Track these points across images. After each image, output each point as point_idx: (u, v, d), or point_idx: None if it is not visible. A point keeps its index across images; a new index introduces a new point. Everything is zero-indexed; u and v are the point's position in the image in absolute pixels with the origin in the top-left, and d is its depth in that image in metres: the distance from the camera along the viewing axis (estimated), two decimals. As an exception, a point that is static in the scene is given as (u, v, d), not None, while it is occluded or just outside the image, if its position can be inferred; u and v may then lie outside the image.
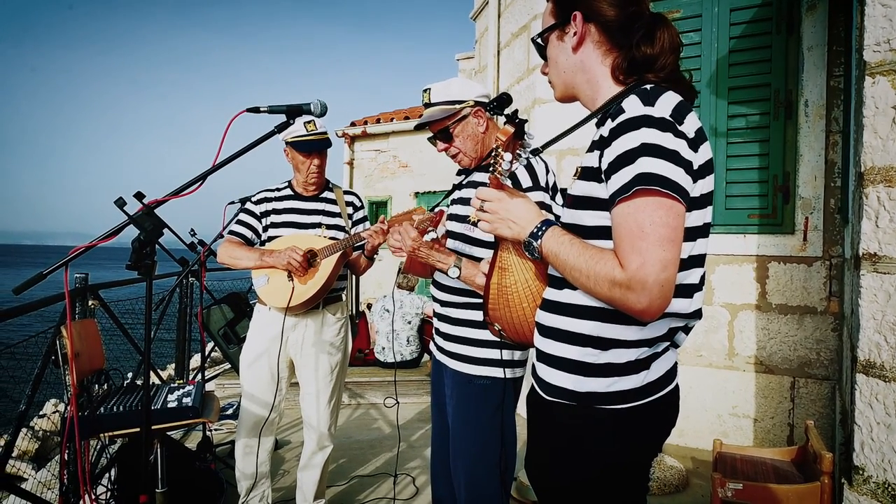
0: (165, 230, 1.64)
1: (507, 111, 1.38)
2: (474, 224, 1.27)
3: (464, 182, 1.98)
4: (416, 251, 1.80)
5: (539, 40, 1.30)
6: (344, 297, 2.88)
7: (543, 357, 1.22)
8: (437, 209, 1.94)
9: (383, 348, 5.34)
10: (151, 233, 1.54)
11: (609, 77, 1.21)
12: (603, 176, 1.09)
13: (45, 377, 2.58)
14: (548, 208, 1.76)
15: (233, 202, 3.44)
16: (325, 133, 2.63)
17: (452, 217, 1.97)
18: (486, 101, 1.93)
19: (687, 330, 1.20)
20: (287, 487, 3.14)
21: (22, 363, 2.79)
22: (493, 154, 1.25)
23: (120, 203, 1.52)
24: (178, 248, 4.03)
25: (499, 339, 1.51)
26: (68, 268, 1.58)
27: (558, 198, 1.83)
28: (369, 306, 6.27)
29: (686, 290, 1.12)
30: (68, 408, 2.00)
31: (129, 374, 7.89)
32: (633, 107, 1.06)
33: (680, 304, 1.11)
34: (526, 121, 1.28)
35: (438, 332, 1.98)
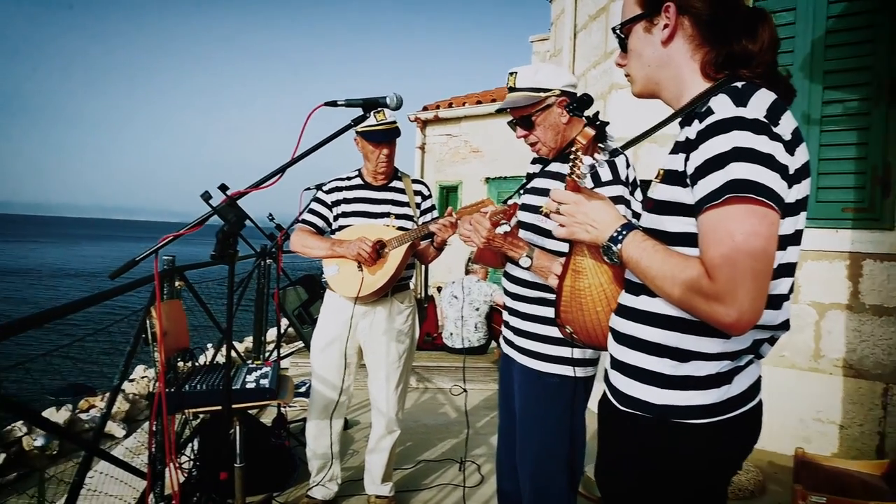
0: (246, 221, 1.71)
1: (588, 112, 1.33)
2: (546, 215, 1.25)
3: (539, 172, 1.95)
4: (489, 242, 1.79)
5: (620, 31, 1.24)
6: (412, 285, 2.91)
7: (618, 365, 1.18)
8: (510, 202, 1.91)
9: (451, 334, 5.39)
10: (234, 224, 1.61)
11: (698, 73, 1.15)
12: (689, 180, 1.04)
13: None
14: (626, 203, 1.71)
15: (308, 188, 3.54)
16: (395, 123, 2.64)
17: (525, 207, 1.94)
18: (573, 91, 1.87)
19: (773, 341, 1.13)
20: (356, 468, 3.24)
21: (115, 338, 2.99)
22: (571, 157, 1.21)
23: (206, 196, 1.58)
24: (256, 236, 4.19)
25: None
26: (158, 255, 1.67)
27: (638, 193, 1.77)
28: (439, 289, 6.33)
29: (774, 301, 1.06)
30: (157, 384, 2.13)
31: (209, 346, 8.32)
32: (723, 107, 1.00)
33: (767, 316, 1.04)
34: (607, 123, 1.23)
35: (508, 326, 1.96)
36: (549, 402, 1.80)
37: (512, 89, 1.87)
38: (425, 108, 11.15)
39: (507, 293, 1.97)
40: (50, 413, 6.87)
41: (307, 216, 2.77)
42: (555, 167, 1.90)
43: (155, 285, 2.22)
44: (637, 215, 1.69)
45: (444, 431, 4.01)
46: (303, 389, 4.51)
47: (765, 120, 0.98)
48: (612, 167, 1.72)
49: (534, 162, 2.02)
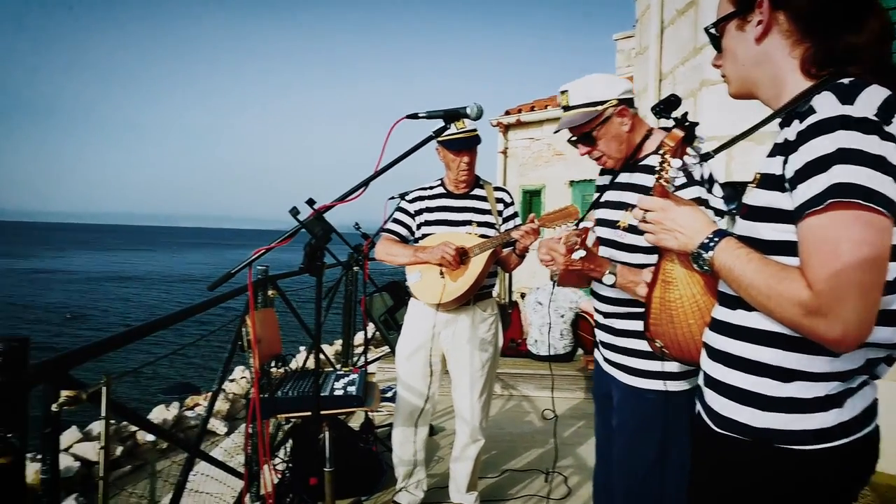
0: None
1: (677, 113, 1.27)
2: (624, 229, 1.20)
3: (610, 184, 1.87)
4: (567, 267, 1.74)
5: (713, 30, 1.18)
6: (495, 293, 2.90)
7: (713, 383, 1.11)
8: (581, 225, 1.85)
9: (535, 340, 5.31)
10: (321, 238, 1.66)
11: (797, 71, 1.06)
12: (787, 185, 0.96)
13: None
14: (705, 203, 1.61)
15: (392, 197, 3.61)
16: (475, 130, 2.64)
17: (601, 222, 1.88)
18: (631, 97, 1.79)
19: (890, 361, 1.03)
20: (441, 474, 3.25)
21: (212, 344, 3.18)
22: (659, 160, 1.16)
23: (294, 212, 1.64)
24: (340, 246, 4.31)
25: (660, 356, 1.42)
26: (251, 267, 1.75)
27: (716, 189, 1.66)
28: (522, 295, 6.27)
29: (890, 318, 0.96)
30: (252, 389, 2.23)
31: (301, 349, 8.63)
32: (827, 106, 0.92)
33: (882, 334, 0.95)
34: (696, 124, 1.17)
35: (603, 344, 1.90)
36: (650, 419, 1.72)
37: (567, 108, 1.80)
38: (507, 113, 11.11)
39: (597, 311, 1.91)
40: (160, 410, 7.40)
41: (391, 225, 2.82)
42: (624, 177, 1.82)
43: (249, 295, 2.34)
44: (719, 213, 1.59)
45: (530, 440, 3.95)
46: (389, 394, 4.59)
47: (875, 118, 0.89)
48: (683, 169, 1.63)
49: (602, 173, 1.95)
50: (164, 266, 45.96)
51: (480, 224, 2.71)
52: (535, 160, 10.75)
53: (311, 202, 1.72)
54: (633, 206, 1.72)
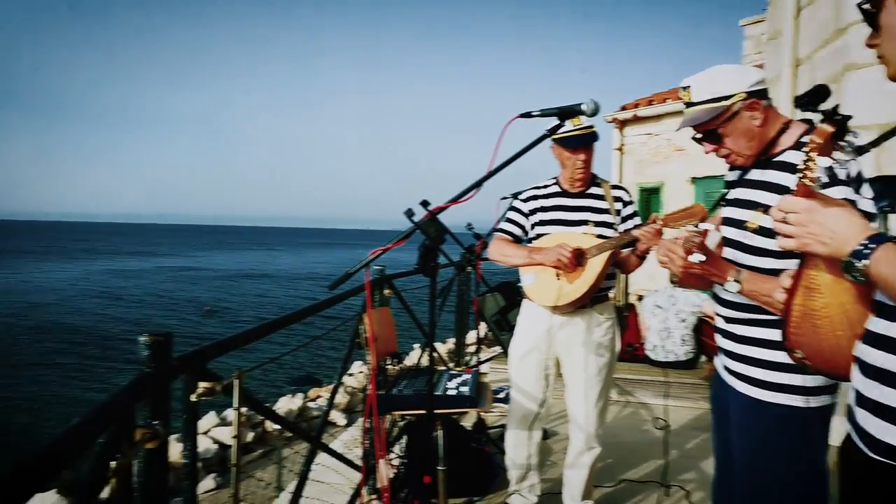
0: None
1: (823, 106, 1.14)
2: (754, 230, 1.09)
3: (738, 180, 1.72)
4: (686, 270, 1.63)
5: (868, 5, 1.05)
6: (612, 295, 2.79)
7: (869, 404, 0.99)
8: (702, 226, 1.72)
9: (654, 346, 5.07)
10: (435, 239, 1.68)
11: None
12: None
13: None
14: (852, 205, 1.43)
15: (505, 197, 3.59)
16: (592, 127, 2.55)
17: (727, 221, 1.73)
18: (762, 87, 1.63)
19: None
20: (554, 480, 3.19)
21: (332, 339, 3.35)
22: (803, 158, 1.05)
23: (409, 213, 1.67)
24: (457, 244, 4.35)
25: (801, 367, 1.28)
26: (369, 267, 1.80)
27: (865, 189, 1.46)
28: (640, 298, 6.02)
29: None
30: (369, 385, 2.31)
31: (416, 346, 8.84)
32: None
33: None
34: (849, 117, 1.04)
35: (724, 351, 1.77)
36: (776, 437, 1.58)
37: (689, 104, 1.66)
38: (623, 108, 10.71)
39: (717, 315, 1.78)
40: (286, 401, 7.90)
41: (504, 225, 2.80)
42: (756, 174, 1.65)
43: (366, 294, 2.43)
44: (869, 216, 1.41)
45: (647, 450, 3.77)
46: (501, 395, 4.58)
47: None
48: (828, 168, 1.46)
49: (731, 168, 1.80)
50: (291, 265, 49.07)
51: (597, 224, 2.62)
52: (653, 156, 10.28)
53: (425, 203, 1.74)
54: (765, 206, 1.58)
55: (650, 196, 10.33)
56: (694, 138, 1.73)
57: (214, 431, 6.61)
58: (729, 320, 1.71)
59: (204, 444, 6.19)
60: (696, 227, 1.71)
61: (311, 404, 7.86)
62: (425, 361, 1.95)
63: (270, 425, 6.80)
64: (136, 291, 28.23)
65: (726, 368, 1.74)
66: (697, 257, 1.55)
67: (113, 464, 1.24)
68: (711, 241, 1.74)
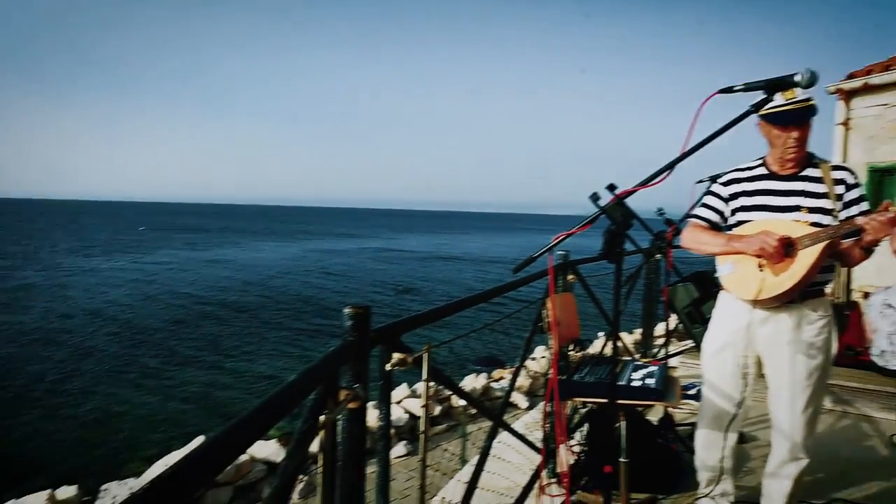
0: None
1: None
2: None
3: None
4: None
5: None
6: (829, 290, 2.45)
7: None
8: None
9: (883, 351, 4.38)
10: (621, 224, 1.62)
11: None
12: None
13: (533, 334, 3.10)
14: None
15: (701, 180, 3.34)
16: (810, 100, 2.20)
17: None
18: None
19: None
20: (751, 488, 2.92)
21: (516, 323, 3.41)
22: None
23: (594, 197, 1.63)
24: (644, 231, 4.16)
25: None
26: (552, 252, 1.81)
27: None
28: (866, 295, 5.23)
29: None
30: (551, 370, 2.32)
31: (600, 335, 8.67)
32: None
33: None
34: None
35: None
36: None
37: None
38: (850, 76, 9.27)
39: None
40: (471, 379, 8.24)
41: (699, 210, 2.58)
42: None
43: (549, 279, 2.43)
44: None
45: (869, 470, 3.28)
46: (692, 392, 4.30)
47: None
48: None
49: None
50: (478, 249, 50.69)
51: (812, 210, 2.30)
52: (889, 131, 8.77)
53: (611, 187, 1.69)
54: None
55: (884, 178, 8.83)
56: None
57: (406, 402, 7.14)
58: None
59: (396, 413, 6.72)
60: None
61: (494, 384, 8.11)
62: (609, 351, 1.91)
63: (456, 401, 7.15)
64: (342, 269, 31.40)
65: None
66: None
67: (322, 418, 1.41)
68: None
